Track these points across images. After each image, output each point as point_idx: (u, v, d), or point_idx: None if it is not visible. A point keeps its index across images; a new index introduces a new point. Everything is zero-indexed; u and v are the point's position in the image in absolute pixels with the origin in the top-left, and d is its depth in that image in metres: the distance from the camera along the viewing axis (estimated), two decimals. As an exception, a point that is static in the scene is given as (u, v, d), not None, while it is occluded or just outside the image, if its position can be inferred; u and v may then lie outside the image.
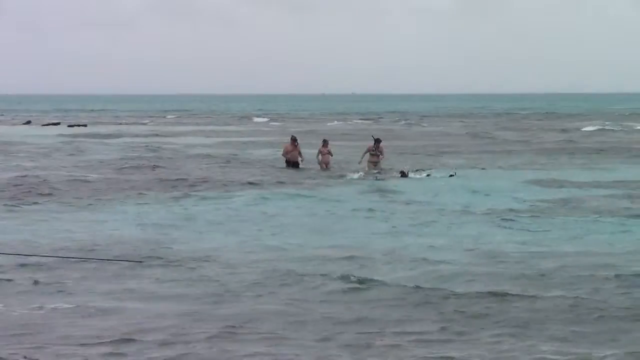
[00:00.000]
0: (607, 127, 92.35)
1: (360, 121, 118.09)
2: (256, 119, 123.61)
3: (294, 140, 47.10)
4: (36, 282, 19.32)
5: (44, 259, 21.64)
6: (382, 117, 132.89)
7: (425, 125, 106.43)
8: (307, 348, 14.59)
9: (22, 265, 20.71)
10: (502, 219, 28.04)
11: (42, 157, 56.03)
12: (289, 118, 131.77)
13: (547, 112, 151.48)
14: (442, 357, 13.75)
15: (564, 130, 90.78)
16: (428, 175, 40.65)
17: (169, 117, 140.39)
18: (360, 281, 19.33)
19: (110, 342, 14.60)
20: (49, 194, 35.10)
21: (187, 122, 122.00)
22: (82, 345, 14.67)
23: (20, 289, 18.51)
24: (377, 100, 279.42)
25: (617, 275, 18.87)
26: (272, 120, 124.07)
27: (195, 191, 36.49)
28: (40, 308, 17.03)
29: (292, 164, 45.47)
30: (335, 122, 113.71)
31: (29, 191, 35.82)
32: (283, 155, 46.67)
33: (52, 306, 17.33)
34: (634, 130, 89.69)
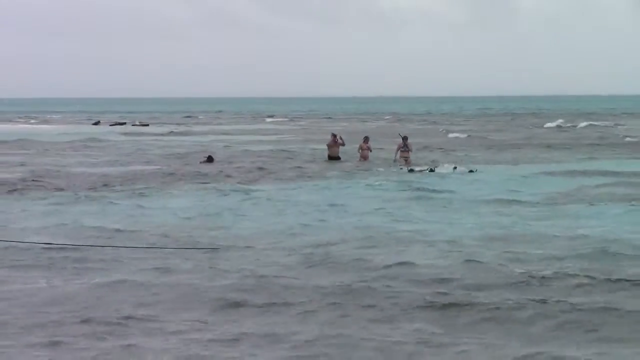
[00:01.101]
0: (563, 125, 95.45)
1: (385, 121, 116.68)
2: (301, 121, 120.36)
3: (334, 136, 48.37)
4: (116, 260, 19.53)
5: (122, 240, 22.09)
6: (407, 117, 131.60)
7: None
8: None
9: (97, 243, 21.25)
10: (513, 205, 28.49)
11: (111, 151, 57.44)
12: (327, 118, 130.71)
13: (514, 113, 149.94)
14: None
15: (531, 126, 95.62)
16: (432, 169, 40.41)
17: (223, 117, 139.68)
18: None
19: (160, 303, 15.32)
20: (126, 183, 36.32)
21: (240, 121, 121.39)
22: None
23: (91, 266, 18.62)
24: (400, 102, 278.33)
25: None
26: (314, 119, 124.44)
27: (247, 182, 37.09)
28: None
29: (333, 158, 46.76)
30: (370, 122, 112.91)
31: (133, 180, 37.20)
32: (328, 149, 48.01)
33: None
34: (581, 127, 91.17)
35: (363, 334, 13.41)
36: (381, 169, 41.25)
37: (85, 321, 14.13)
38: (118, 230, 23.61)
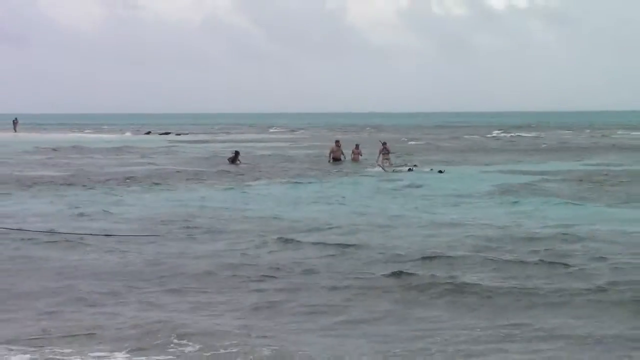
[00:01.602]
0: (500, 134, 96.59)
1: (366, 132, 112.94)
2: (306, 131, 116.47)
3: (337, 142, 48.89)
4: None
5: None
6: (384, 129, 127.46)
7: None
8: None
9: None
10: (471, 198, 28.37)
11: (160, 155, 57.69)
12: (337, 129, 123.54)
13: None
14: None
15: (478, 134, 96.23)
16: (410, 169, 40.58)
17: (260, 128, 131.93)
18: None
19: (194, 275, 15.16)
20: (166, 179, 36.30)
21: (251, 131, 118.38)
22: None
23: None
24: (379, 117, 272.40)
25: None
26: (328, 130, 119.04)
27: (263, 178, 37.04)
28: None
29: (336, 159, 46.77)
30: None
31: (153, 177, 36.97)
32: (330, 154, 47.73)
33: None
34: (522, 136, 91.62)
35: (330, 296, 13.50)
36: (369, 169, 41.27)
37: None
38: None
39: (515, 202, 27.19)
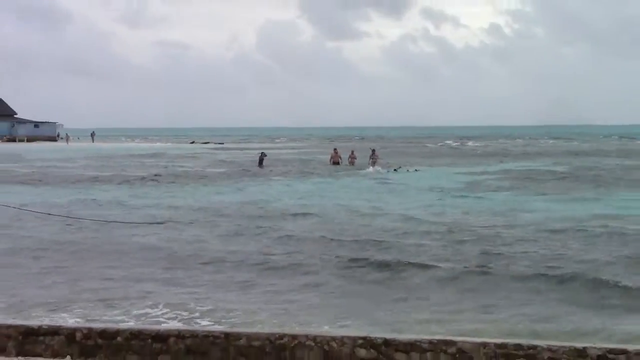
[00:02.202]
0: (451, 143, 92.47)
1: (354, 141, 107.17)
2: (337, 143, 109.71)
3: (335, 150, 48.57)
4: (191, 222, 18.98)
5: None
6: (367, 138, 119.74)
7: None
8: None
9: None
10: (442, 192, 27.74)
11: (197, 159, 55.64)
12: (345, 139, 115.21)
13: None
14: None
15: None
16: (395, 170, 40.20)
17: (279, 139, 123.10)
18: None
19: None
20: (202, 178, 35.91)
21: (267, 141, 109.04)
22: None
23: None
24: (364, 130, 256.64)
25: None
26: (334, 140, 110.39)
27: (280, 176, 36.63)
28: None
29: (335, 163, 45.94)
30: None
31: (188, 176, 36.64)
32: (330, 159, 47.19)
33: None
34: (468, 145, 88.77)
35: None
36: (362, 170, 40.60)
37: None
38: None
39: (465, 195, 26.58)
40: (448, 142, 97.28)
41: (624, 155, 56.66)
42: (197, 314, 10.32)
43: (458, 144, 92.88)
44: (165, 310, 10.50)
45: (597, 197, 25.39)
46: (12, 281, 12.44)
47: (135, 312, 10.50)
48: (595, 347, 5.99)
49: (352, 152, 48.19)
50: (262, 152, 47.21)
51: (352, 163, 45.71)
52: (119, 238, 16.73)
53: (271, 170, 40.92)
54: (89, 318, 9.92)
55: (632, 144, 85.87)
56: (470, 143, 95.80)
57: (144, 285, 12.14)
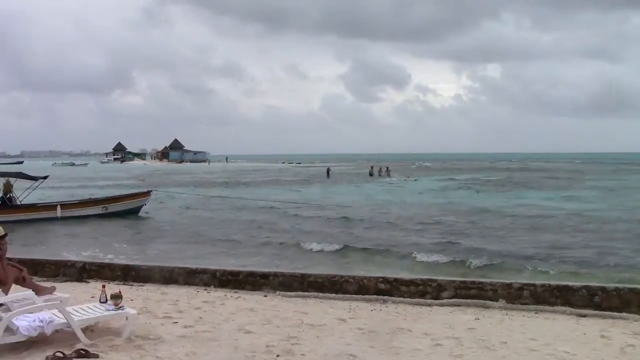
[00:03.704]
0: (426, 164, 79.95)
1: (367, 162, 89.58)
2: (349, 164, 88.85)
3: (372, 167, 44.78)
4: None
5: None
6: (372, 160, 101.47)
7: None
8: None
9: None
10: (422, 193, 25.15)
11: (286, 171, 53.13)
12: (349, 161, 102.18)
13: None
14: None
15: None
16: (405, 179, 36.80)
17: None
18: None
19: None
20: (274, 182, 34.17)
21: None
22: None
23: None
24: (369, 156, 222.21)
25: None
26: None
27: (338, 183, 34.70)
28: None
29: (371, 175, 41.73)
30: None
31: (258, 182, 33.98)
32: (369, 172, 43.09)
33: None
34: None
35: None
36: (386, 179, 38.17)
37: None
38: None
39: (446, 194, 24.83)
40: (427, 164, 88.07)
41: (525, 170, 54.79)
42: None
43: (430, 164, 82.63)
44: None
45: (512, 193, 24.91)
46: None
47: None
48: (517, 282, 6.11)
49: (380, 168, 45.39)
50: (328, 167, 45.15)
51: (380, 174, 42.82)
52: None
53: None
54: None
55: (529, 164, 78.28)
56: (437, 164, 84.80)
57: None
